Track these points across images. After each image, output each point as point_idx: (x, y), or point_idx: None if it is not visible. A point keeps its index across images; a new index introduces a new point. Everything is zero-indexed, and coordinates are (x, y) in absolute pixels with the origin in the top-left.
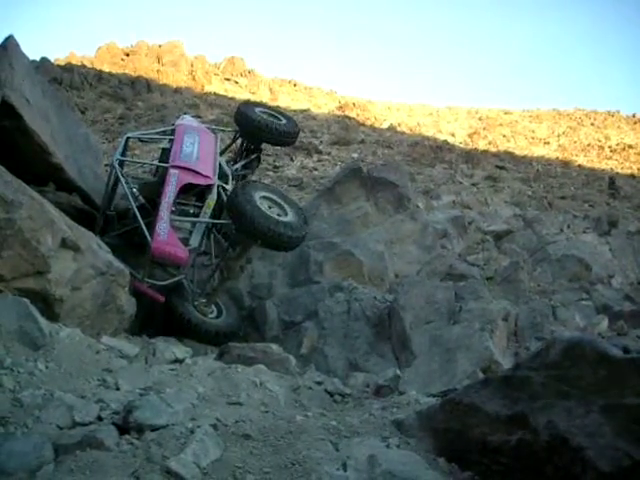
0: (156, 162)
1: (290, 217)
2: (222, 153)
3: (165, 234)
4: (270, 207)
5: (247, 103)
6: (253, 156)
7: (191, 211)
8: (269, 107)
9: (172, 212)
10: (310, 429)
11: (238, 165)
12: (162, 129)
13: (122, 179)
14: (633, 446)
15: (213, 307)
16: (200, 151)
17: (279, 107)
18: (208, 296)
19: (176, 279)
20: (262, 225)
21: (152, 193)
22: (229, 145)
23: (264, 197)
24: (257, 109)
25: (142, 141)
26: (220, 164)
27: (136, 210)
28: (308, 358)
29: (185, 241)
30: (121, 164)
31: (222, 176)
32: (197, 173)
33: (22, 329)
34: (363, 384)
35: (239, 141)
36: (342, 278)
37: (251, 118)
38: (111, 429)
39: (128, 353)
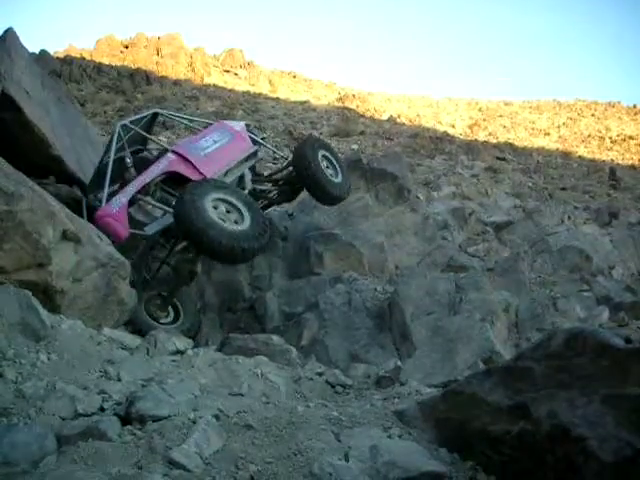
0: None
1: (247, 224)
2: (269, 176)
3: (116, 207)
4: (227, 211)
5: (314, 142)
6: (289, 190)
7: (172, 202)
8: (335, 154)
9: (148, 194)
10: (312, 420)
11: (272, 189)
12: (198, 119)
13: (115, 142)
14: (635, 436)
15: (170, 310)
16: (217, 151)
17: (279, 99)
18: (164, 298)
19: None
20: (211, 237)
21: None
22: (277, 171)
23: (219, 199)
24: (321, 152)
25: (169, 118)
26: (242, 175)
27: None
28: (309, 349)
29: (141, 225)
30: (127, 130)
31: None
32: (194, 167)
33: (24, 321)
34: (364, 375)
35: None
36: (342, 269)
37: (307, 163)
38: (113, 420)
39: (129, 344)
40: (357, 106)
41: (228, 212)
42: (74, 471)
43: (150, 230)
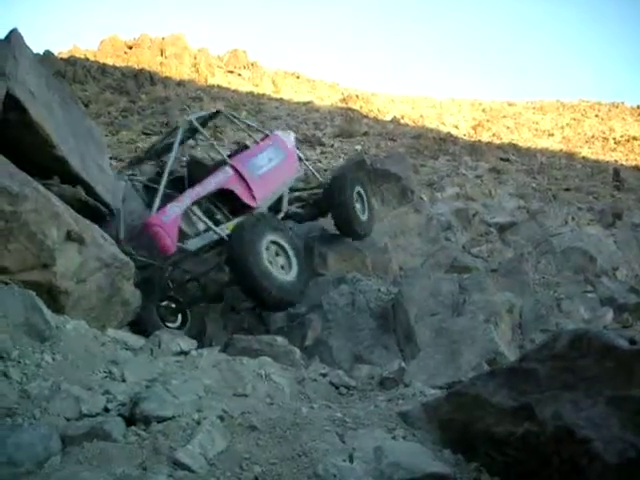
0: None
1: (294, 273)
2: (297, 194)
3: (170, 218)
4: (276, 254)
5: (353, 177)
6: (316, 212)
7: (217, 216)
8: (367, 190)
9: (197, 204)
10: (316, 421)
11: (302, 212)
12: (256, 126)
13: (179, 140)
14: (639, 438)
15: (179, 316)
16: (270, 172)
17: (282, 100)
18: (178, 303)
19: (151, 261)
20: (263, 287)
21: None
22: (305, 189)
23: (272, 242)
24: (356, 189)
25: (229, 118)
26: (281, 196)
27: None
28: (312, 350)
29: (183, 235)
30: (193, 131)
31: (271, 208)
32: (249, 190)
33: (28, 321)
34: (368, 376)
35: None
36: (346, 270)
37: (342, 199)
38: (118, 420)
39: (133, 345)
40: (360, 107)
41: (277, 255)
42: (79, 472)
43: (192, 246)
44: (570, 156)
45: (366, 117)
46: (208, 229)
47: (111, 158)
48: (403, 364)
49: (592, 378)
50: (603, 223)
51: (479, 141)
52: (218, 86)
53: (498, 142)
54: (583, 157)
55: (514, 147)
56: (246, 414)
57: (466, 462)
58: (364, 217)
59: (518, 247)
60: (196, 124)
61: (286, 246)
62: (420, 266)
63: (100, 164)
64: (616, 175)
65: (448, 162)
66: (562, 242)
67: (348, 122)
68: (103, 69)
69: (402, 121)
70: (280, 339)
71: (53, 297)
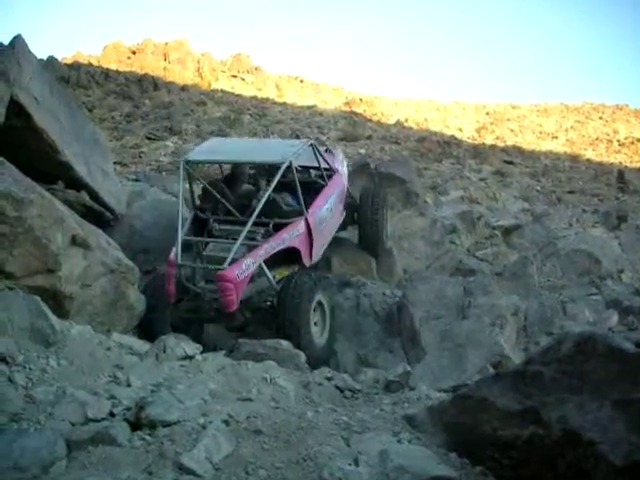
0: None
1: (325, 336)
2: None
3: (243, 275)
4: (316, 321)
5: (382, 192)
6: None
7: (268, 261)
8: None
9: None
10: (321, 425)
11: None
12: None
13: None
14: None
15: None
16: (327, 224)
17: (286, 104)
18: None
19: (211, 287)
20: (304, 349)
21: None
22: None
23: (318, 302)
24: (382, 213)
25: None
26: None
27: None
28: None
29: None
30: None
31: None
32: (310, 249)
33: (33, 326)
34: (373, 380)
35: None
36: (351, 274)
37: (375, 212)
38: (123, 425)
39: (138, 350)
40: (364, 110)
41: (316, 322)
42: (84, 476)
43: (245, 293)
44: (574, 158)
45: (370, 120)
46: (260, 275)
47: (115, 163)
48: (408, 367)
49: (598, 381)
50: (608, 225)
51: (483, 144)
52: (222, 90)
53: (502, 145)
54: (587, 159)
55: (518, 150)
56: (251, 418)
57: (472, 465)
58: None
59: (523, 250)
60: (293, 167)
61: (326, 307)
62: (425, 269)
63: (104, 169)
64: (620, 177)
65: (452, 165)
66: (567, 245)
67: (352, 126)
68: (107, 74)
69: (406, 124)
70: (285, 343)
71: (58, 302)
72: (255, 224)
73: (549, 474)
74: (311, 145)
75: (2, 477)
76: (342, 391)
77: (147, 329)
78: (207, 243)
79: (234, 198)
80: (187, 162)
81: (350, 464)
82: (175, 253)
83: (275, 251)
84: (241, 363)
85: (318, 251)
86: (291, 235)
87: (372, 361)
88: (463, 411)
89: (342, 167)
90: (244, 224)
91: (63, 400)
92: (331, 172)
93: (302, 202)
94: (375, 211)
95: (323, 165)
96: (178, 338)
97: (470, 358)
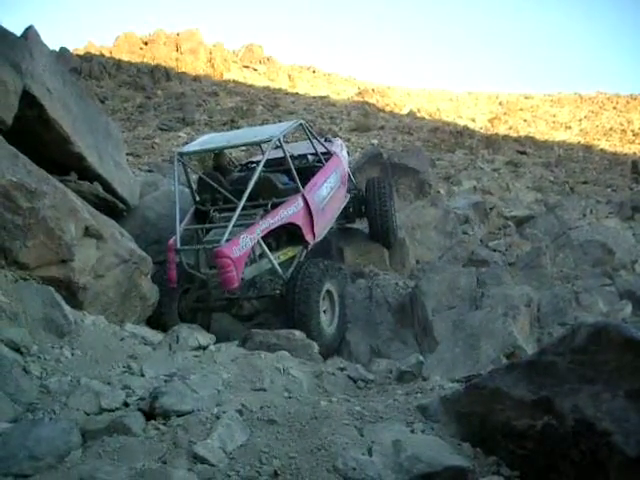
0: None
1: (335, 324)
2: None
3: (242, 251)
4: (325, 309)
5: (389, 182)
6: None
7: (272, 243)
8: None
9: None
10: (334, 414)
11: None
12: (323, 139)
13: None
14: None
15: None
16: (328, 204)
17: (298, 94)
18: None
19: (214, 272)
20: (314, 338)
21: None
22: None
23: (327, 291)
24: (390, 204)
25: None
26: None
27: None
28: None
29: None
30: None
31: None
32: (311, 226)
33: (47, 317)
34: (386, 370)
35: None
36: (363, 264)
37: (384, 203)
38: (137, 415)
39: (152, 340)
40: (377, 100)
41: (325, 310)
42: (100, 466)
43: (248, 275)
44: (588, 149)
45: (382, 111)
46: (261, 255)
47: (128, 154)
48: (421, 358)
49: (611, 371)
50: (621, 216)
51: (496, 134)
52: (234, 81)
53: (515, 135)
54: (601, 149)
55: (531, 140)
56: (265, 408)
57: (485, 455)
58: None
59: (536, 240)
60: (282, 142)
61: (335, 296)
62: (438, 260)
63: (117, 160)
64: (634, 167)
65: (465, 156)
66: (580, 235)
67: (364, 116)
68: (119, 65)
69: (418, 115)
70: (298, 333)
71: (72, 292)
72: (254, 206)
73: (562, 464)
74: (300, 125)
75: (18, 466)
76: (355, 381)
77: (155, 319)
78: (208, 231)
79: (228, 185)
80: (181, 155)
81: (364, 454)
82: (174, 239)
83: (274, 227)
84: (254, 353)
85: (321, 229)
86: (288, 211)
87: (385, 351)
88: (476, 401)
89: (340, 151)
90: (243, 209)
91: (77, 390)
92: (328, 155)
93: (297, 179)
94: (384, 203)
95: (317, 145)
96: (191, 328)
97: (483, 348)
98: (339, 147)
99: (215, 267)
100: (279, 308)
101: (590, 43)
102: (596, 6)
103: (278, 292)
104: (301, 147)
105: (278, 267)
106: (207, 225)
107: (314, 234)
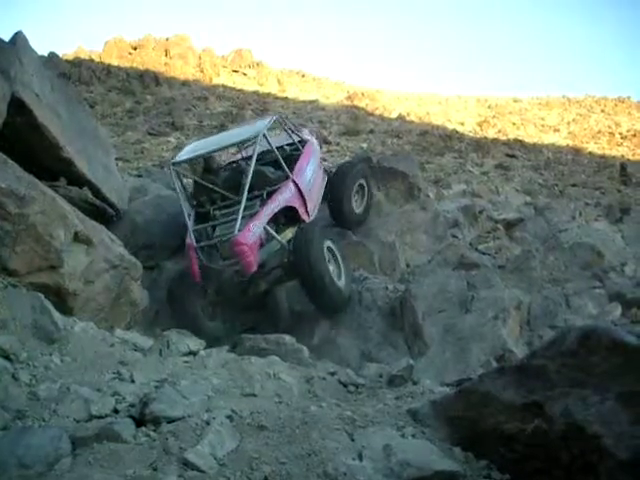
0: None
1: (343, 280)
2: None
3: (255, 236)
4: (329, 260)
5: (357, 171)
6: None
7: (273, 228)
8: (370, 184)
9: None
10: (325, 419)
11: None
12: (297, 130)
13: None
14: None
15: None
16: (313, 185)
17: (288, 99)
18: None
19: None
20: (329, 294)
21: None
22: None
23: (328, 248)
24: (359, 182)
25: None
26: None
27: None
28: (321, 349)
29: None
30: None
31: None
32: (305, 206)
33: (37, 323)
34: (376, 374)
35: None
36: (353, 268)
37: (341, 196)
38: (127, 421)
39: (142, 346)
40: (366, 104)
41: (329, 261)
42: (89, 473)
43: (261, 257)
44: (576, 151)
45: (372, 115)
46: (270, 239)
47: (117, 159)
48: (411, 362)
49: (601, 374)
50: (610, 218)
51: (485, 138)
52: (223, 86)
53: (504, 138)
54: (589, 152)
55: (520, 143)
56: (255, 414)
57: (476, 459)
58: (359, 210)
59: (525, 243)
60: (267, 138)
61: (337, 254)
62: (427, 263)
63: (106, 165)
64: (623, 170)
65: (454, 159)
66: (569, 238)
67: (354, 120)
68: (108, 70)
69: (408, 118)
70: (288, 338)
71: (61, 298)
72: (251, 198)
73: (553, 467)
74: (277, 119)
75: (7, 474)
76: (346, 386)
77: (180, 318)
78: (214, 228)
79: (222, 184)
80: (174, 164)
81: (354, 458)
82: (190, 239)
83: (275, 211)
84: (244, 358)
85: (312, 208)
86: (284, 196)
87: (375, 356)
88: (467, 405)
89: (312, 138)
90: (241, 203)
91: (67, 397)
92: (303, 142)
93: (285, 167)
94: (342, 181)
95: (294, 135)
96: (181, 334)
97: (473, 352)
98: (309, 134)
99: (228, 259)
100: (290, 275)
101: (578, 46)
102: (585, 9)
103: (286, 260)
104: (278, 140)
105: (285, 243)
106: (213, 223)
107: (308, 213)
